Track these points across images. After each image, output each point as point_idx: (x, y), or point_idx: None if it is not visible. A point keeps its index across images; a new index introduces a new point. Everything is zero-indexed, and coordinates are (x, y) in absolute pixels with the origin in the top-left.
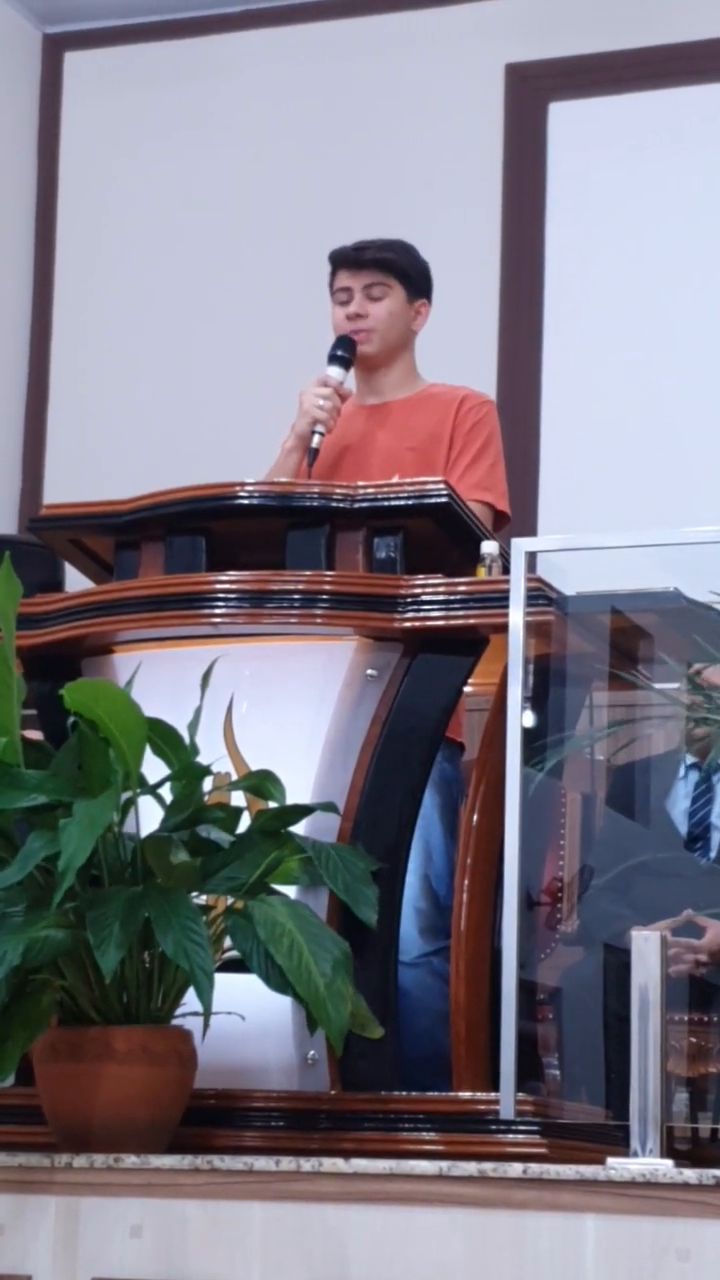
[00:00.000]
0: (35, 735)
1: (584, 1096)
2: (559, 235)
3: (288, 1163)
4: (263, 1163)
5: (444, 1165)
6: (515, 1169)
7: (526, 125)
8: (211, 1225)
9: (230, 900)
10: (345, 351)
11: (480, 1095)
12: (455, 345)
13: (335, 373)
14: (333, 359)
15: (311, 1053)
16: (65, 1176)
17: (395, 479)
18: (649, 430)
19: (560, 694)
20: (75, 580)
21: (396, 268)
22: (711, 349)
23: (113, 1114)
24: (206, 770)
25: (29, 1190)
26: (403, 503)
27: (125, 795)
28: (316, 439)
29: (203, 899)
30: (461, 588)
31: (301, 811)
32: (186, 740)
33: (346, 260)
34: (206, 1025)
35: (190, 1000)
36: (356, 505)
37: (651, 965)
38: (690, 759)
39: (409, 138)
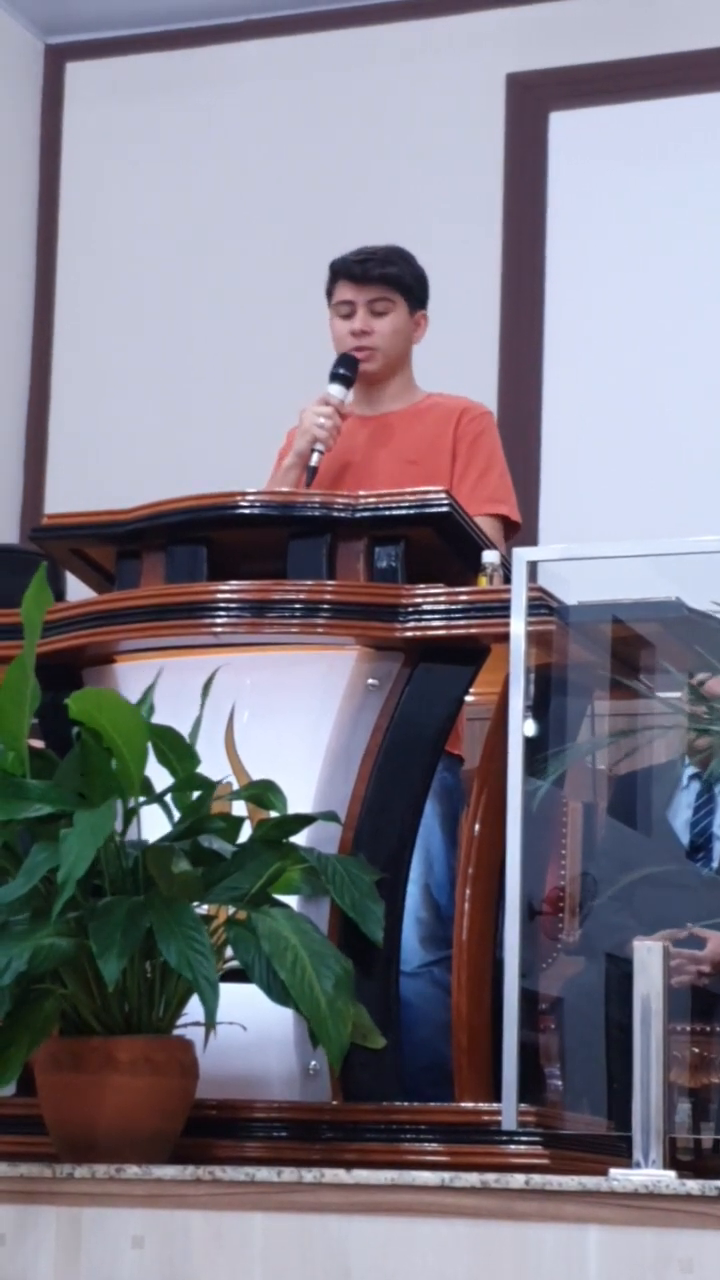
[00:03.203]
0: (36, 744)
1: (586, 1107)
2: (560, 244)
3: (290, 1173)
4: (265, 1173)
5: (446, 1176)
6: (517, 1180)
7: (527, 135)
8: (214, 1236)
9: (232, 910)
10: (347, 370)
11: (482, 1106)
12: (456, 355)
13: (337, 391)
14: (334, 377)
15: (313, 1063)
16: (67, 1187)
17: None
18: (650, 439)
19: (562, 704)
20: (76, 590)
21: (401, 283)
22: (713, 358)
23: (115, 1124)
24: (212, 782)
25: (31, 1201)
26: (404, 512)
27: (128, 804)
28: (315, 458)
29: (204, 909)
30: (462, 597)
31: (303, 821)
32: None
33: (350, 274)
34: (209, 1035)
35: (192, 1010)
36: (357, 515)
37: (654, 975)
38: (692, 769)
39: (410, 147)
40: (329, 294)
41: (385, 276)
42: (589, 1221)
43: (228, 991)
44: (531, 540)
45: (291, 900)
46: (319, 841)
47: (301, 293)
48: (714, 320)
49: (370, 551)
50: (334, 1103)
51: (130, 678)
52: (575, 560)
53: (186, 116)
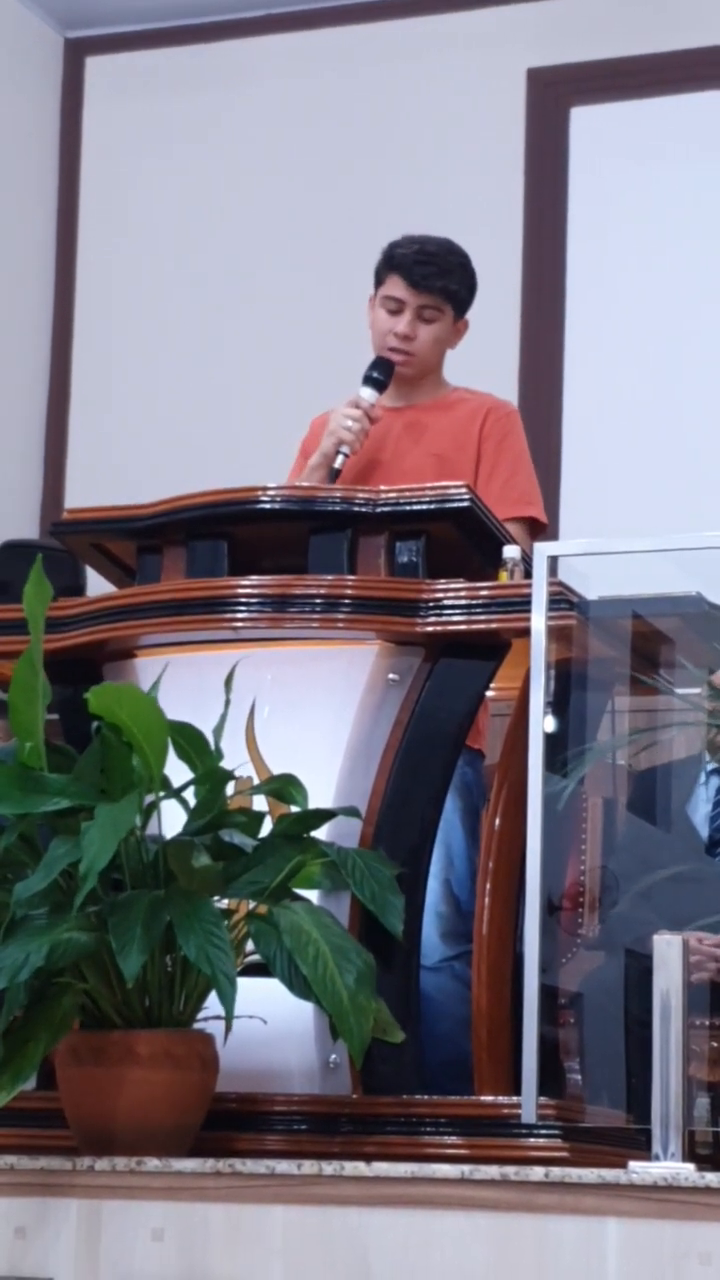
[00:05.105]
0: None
1: (605, 1100)
2: (581, 240)
3: (309, 1166)
4: (284, 1166)
5: (466, 1169)
6: (537, 1173)
7: (548, 130)
8: (233, 1229)
9: (252, 905)
10: (381, 374)
11: (502, 1099)
12: (477, 350)
13: (368, 394)
14: (368, 380)
15: (333, 1056)
16: (87, 1180)
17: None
18: (671, 434)
19: (582, 699)
20: (97, 584)
21: (455, 297)
22: None
23: (135, 1117)
24: (230, 775)
25: (51, 1193)
26: (424, 507)
27: (148, 799)
28: (340, 459)
29: (224, 903)
30: (483, 592)
31: (324, 816)
32: (211, 744)
33: (409, 276)
34: (228, 1029)
35: (212, 1004)
36: (378, 510)
37: (673, 970)
38: (711, 764)
39: (430, 142)
40: (378, 279)
41: (444, 290)
42: (608, 1214)
43: (248, 985)
44: (552, 535)
45: (312, 894)
46: (339, 836)
47: (319, 288)
48: None
49: (391, 546)
50: (354, 1096)
51: (150, 672)
52: (596, 555)
53: (204, 111)
